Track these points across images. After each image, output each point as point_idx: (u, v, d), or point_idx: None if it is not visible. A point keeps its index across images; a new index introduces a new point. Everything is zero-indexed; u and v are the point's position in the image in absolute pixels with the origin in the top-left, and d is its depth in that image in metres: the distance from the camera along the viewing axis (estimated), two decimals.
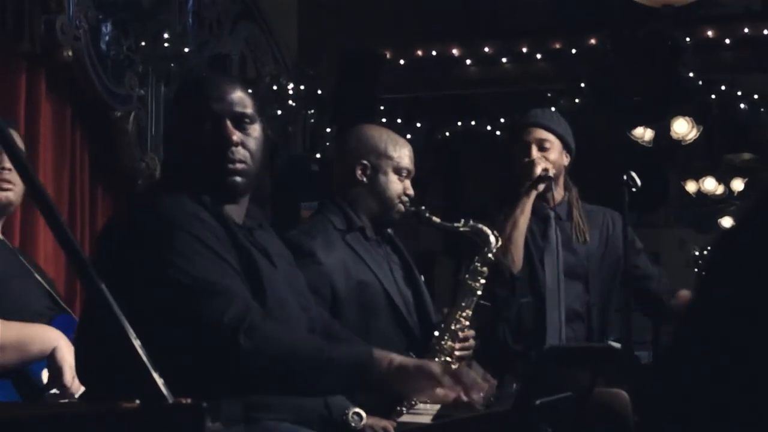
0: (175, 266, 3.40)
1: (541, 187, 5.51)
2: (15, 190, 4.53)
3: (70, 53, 6.13)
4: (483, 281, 4.83)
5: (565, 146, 5.66)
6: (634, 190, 5.46)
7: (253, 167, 3.70)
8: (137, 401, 2.27)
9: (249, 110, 3.72)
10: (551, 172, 5.54)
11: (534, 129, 5.64)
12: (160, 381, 2.20)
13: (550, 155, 5.58)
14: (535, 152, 5.55)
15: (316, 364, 3.46)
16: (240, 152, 3.64)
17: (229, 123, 3.65)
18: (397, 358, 3.55)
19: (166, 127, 4.14)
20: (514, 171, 5.60)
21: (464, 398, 3.57)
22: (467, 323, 4.72)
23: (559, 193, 5.65)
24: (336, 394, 3.68)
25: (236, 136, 3.64)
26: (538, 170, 5.49)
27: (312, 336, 3.74)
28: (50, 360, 4.31)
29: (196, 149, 3.67)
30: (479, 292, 4.81)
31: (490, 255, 4.88)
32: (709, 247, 15.43)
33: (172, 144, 3.93)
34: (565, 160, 5.67)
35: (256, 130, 3.73)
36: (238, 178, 3.66)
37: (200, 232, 3.48)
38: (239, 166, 3.65)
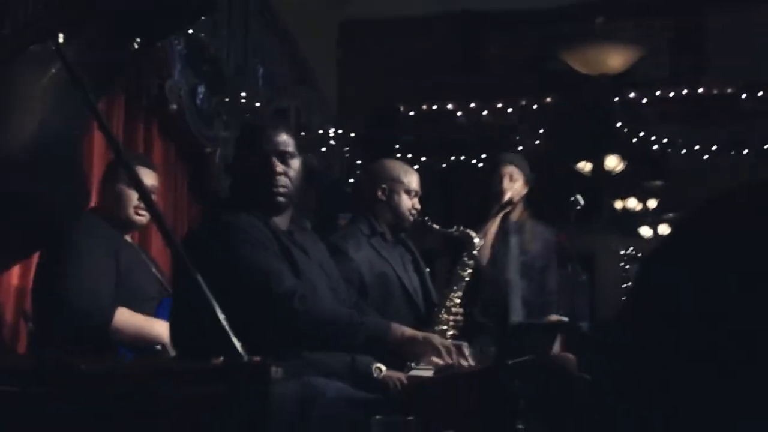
0: (240, 258, 3.55)
1: (508, 208, 5.54)
2: (147, 216, 4.58)
3: (175, 106, 6.14)
4: (470, 270, 4.86)
5: (527, 180, 5.68)
6: (578, 207, 5.47)
7: (292, 189, 3.81)
8: (221, 358, 2.27)
9: (290, 148, 3.83)
10: (515, 199, 5.59)
11: (506, 165, 5.66)
12: (238, 344, 2.20)
13: (515, 185, 5.59)
14: (506, 183, 5.58)
15: (350, 327, 3.59)
16: (282, 180, 3.77)
17: (274, 158, 3.76)
18: (408, 331, 3.72)
19: (233, 161, 4.19)
20: (490, 194, 5.60)
21: (454, 363, 3.66)
22: (458, 301, 4.74)
23: (518, 212, 5.67)
24: (361, 353, 3.69)
25: (280, 168, 3.76)
26: (506, 197, 5.53)
27: (345, 308, 3.81)
28: (161, 351, 4.34)
29: (252, 177, 3.78)
30: (467, 279, 4.84)
31: (474, 251, 4.91)
32: (632, 249, 15.39)
33: (234, 173, 4.03)
34: (525, 190, 5.67)
35: (296, 162, 3.83)
36: (281, 198, 3.78)
37: (255, 234, 3.63)
38: (281, 189, 3.77)
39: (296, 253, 3.77)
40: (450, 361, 3.71)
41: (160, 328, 4.35)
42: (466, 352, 3.80)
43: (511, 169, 5.68)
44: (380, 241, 4.75)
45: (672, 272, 1.49)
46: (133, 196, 4.51)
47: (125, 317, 4.23)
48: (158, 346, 4.31)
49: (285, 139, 3.83)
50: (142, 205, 4.51)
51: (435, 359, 3.75)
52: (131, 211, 4.60)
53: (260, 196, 3.78)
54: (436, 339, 3.81)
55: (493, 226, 5.55)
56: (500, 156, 5.92)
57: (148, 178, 4.68)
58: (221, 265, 3.45)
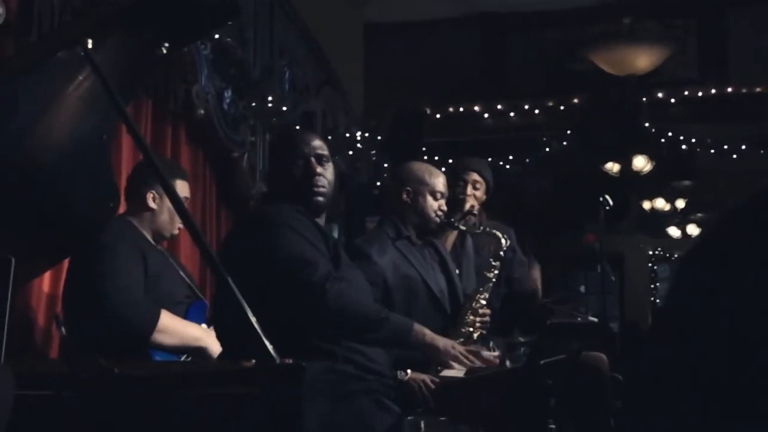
0: (281, 250, 3.62)
1: (468, 217, 5.45)
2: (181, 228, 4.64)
3: (202, 111, 6.16)
4: (496, 271, 4.86)
5: (488, 187, 5.71)
6: (607, 207, 5.46)
7: (330, 191, 3.93)
8: (253, 361, 2.28)
9: (326, 152, 3.96)
10: (475, 209, 5.55)
11: (470, 173, 5.67)
12: (269, 346, 2.21)
13: (477, 193, 5.64)
14: (469, 190, 5.59)
15: (376, 321, 3.70)
16: (321, 180, 3.88)
17: (313, 160, 3.88)
18: (430, 335, 3.86)
19: (270, 165, 4.28)
20: (453, 200, 5.35)
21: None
22: (484, 303, 4.74)
23: (478, 217, 5.61)
24: (382, 347, 3.77)
25: (319, 169, 3.88)
26: (467, 206, 5.53)
27: (373, 302, 3.94)
28: (200, 354, 4.37)
29: (293, 179, 3.87)
30: (494, 280, 4.84)
31: (500, 252, 4.91)
32: (660, 249, 15.34)
33: (274, 177, 4.12)
34: (485, 197, 5.71)
35: (330, 166, 3.97)
36: (321, 198, 3.89)
37: (297, 226, 3.71)
38: (321, 189, 3.88)
39: (339, 249, 3.92)
40: (476, 365, 3.80)
41: (201, 333, 4.39)
42: (485, 355, 3.89)
43: (474, 177, 5.68)
44: (406, 243, 4.74)
45: (710, 271, 1.49)
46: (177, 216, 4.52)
47: (168, 321, 4.27)
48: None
49: (321, 143, 3.97)
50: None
51: (455, 365, 3.83)
52: (176, 227, 4.68)
53: (301, 197, 3.86)
54: (456, 348, 3.93)
55: (452, 236, 5.48)
56: (465, 161, 5.88)
57: (183, 189, 4.72)
58: (263, 251, 3.64)
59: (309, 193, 3.87)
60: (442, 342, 3.90)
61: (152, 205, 4.64)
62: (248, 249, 3.67)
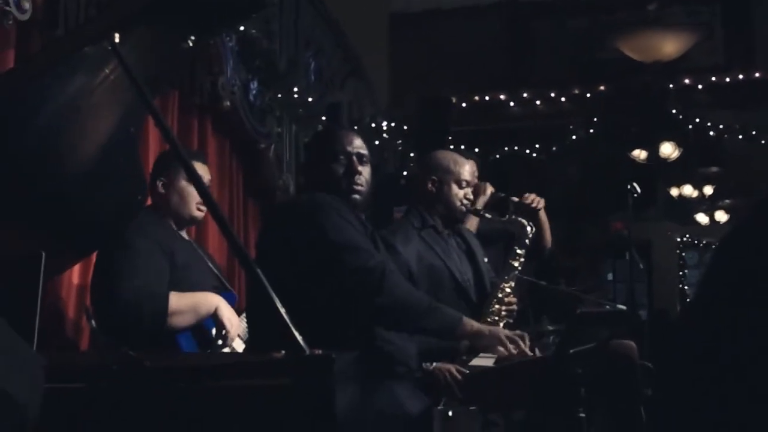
0: (332, 232, 3.72)
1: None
2: (205, 210, 4.63)
3: (228, 103, 6.17)
4: (522, 260, 4.85)
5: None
6: (635, 195, 5.43)
7: (367, 191, 4.02)
8: (282, 352, 2.28)
9: (366, 152, 4.06)
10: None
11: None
12: (299, 337, 2.21)
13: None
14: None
15: (427, 311, 3.76)
16: (360, 179, 3.98)
17: (355, 159, 3.98)
18: (476, 325, 3.92)
19: (309, 159, 4.34)
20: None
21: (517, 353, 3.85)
22: (510, 292, 4.73)
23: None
24: (430, 336, 3.80)
25: (360, 168, 3.98)
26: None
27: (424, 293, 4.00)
28: (214, 316, 4.37)
29: (334, 175, 3.97)
30: (519, 269, 4.82)
31: (526, 241, 4.89)
32: (688, 236, 15.27)
33: (313, 171, 4.16)
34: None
35: (369, 167, 4.06)
36: (358, 197, 3.98)
37: (345, 214, 3.81)
38: (359, 188, 3.98)
39: (377, 238, 4.03)
40: (514, 352, 3.80)
41: (211, 297, 4.42)
42: (528, 341, 3.90)
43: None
44: (431, 233, 4.74)
45: (742, 259, 1.48)
46: (195, 193, 4.55)
47: (176, 298, 4.28)
48: (222, 332, 4.36)
49: (362, 143, 4.07)
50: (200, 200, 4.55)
51: (500, 349, 3.87)
52: (193, 207, 4.65)
53: (340, 193, 3.94)
54: (501, 332, 3.97)
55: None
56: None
57: (203, 172, 4.72)
58: (310, 235, 3.72)
59: (348, 189, 3.96)
60: (487, 329, 3.96)
61: (162, 191, 4.65)
62: (292, 234, 3.76)
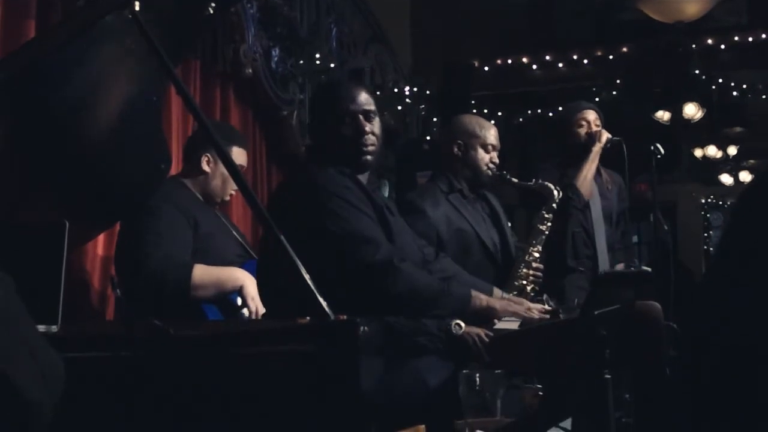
0: (332, 222, 3.54)
1: (608, 145, 5.54)
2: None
3: (250, 71, 6.16)
4: (549, 224, 4.82)
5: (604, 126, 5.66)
6: (658, 156, 5.40)
7: (378, 147, 3.85)
8: (308, 318, 2.28)
9: (372, 107, 3.85)
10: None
11: (590, 111, 5.62)
12: (324, 303, 2.21)
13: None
14: (598, 124, 5.55)
15: (435, 295, 3.67)
16: (370, 138, 3.79)
17: (361, 118, 3.78)
18: (486, 299, 3.87)
19: (313, 121, 4.16)
20: (578, 140, 5.59)
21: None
22: (537, 256, 4.71)
23: None
24: (445, 317, 3.71)
25: (367, 126, 3.78)
26: (605, 137, 5.53)
27: (434, 277, 3.84)
28: (240, 293, 4.35)
29: (340, 137, 3.77)
30: (546, 233, 4.80)
31: (553, 204, 4.86)
32: (712, 197, 15.21)
33: (320, 134, 3.95)
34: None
35: (377, 120, 3.85)
36: (370, 157, 3.82)
37: (348, 196, 3.62)
38: (371, 148, 3.80)
39: (386, 213, 3.82)
40: (536, 317, 3.79)
41: (238, 274, 4.39)
42: (545, 307, 3.89)
43: (595, 115, 5.67)
44: (459, 197, 4.73)
45: (761, 211, 1.47)
46: (232, 181, 4.51)
47: (201, 271, 4.27)
48: (239, 299, 4.35)
49: (367, 98, 3.86)
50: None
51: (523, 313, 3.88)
52: (229, 192, 4.68)
53: (349, 155, 3.80)
54: (513, 306, 3.94)
55: (593, 164, 5.53)
56: (581, 103, 5.85)
57: (239, 157, 4.71)
58: (314, 225, 3.54)
59: (358, 152, 3.79)
60: (498, 303, 3.90)
61: (206, 168, 4.64)
62: (289, 223, 3.36)
